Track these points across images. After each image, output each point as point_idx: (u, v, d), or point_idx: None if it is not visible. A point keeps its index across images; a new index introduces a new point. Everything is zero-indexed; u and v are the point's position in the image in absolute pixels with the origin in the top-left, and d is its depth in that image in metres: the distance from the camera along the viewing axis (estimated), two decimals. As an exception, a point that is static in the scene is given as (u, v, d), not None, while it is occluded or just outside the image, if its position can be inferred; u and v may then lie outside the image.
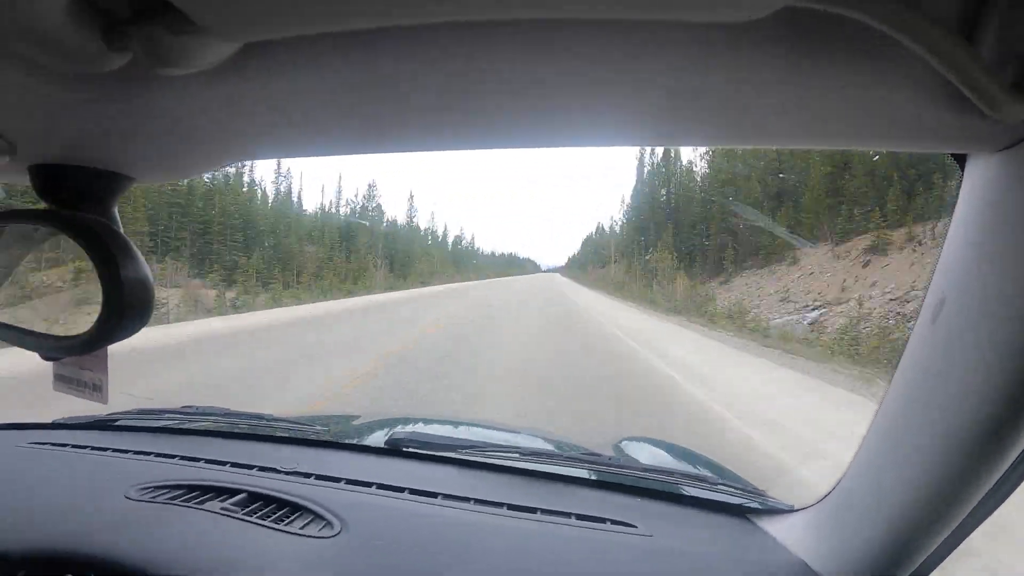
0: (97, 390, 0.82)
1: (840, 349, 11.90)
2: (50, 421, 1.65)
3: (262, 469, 1.27)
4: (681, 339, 13.62)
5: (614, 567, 0.99)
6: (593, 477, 1.32)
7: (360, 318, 17.61)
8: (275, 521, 1.04)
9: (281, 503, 1.12)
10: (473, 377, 7.67)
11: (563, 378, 7.74)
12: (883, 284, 15.56)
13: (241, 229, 33.70)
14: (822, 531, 0.96)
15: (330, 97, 0.54)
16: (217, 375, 7.73)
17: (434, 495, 1.17)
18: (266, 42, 0.43)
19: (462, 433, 1.81)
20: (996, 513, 0.73)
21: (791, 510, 1.11)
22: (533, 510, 1.13)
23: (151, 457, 1.35)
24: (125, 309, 0.64)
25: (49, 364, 0.81)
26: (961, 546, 0.77)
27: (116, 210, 0.74)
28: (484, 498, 1.16)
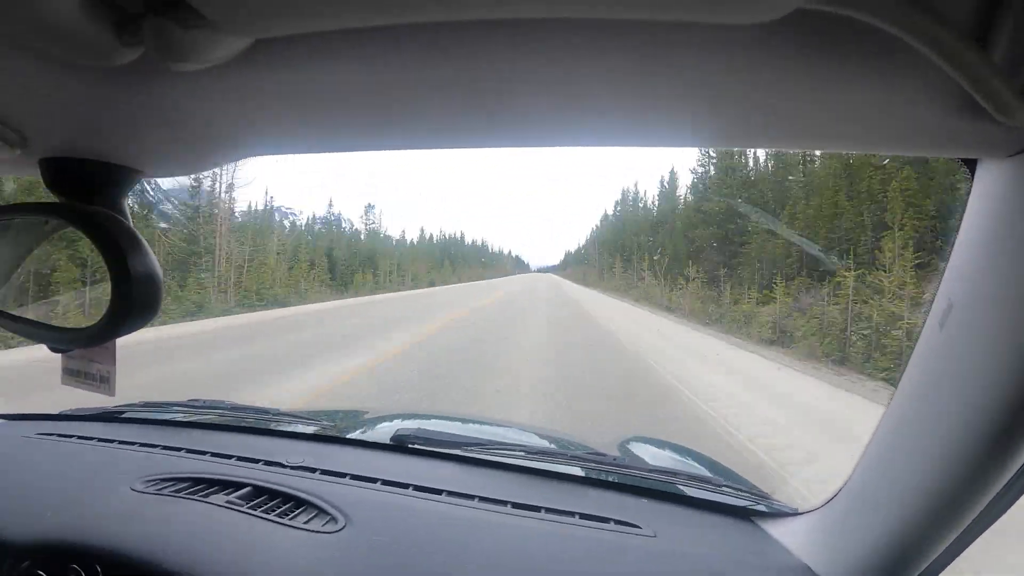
0: (105, 382, 0.83)
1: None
2: (57, 412, 1.67)
3: (268, 463, 1.28)
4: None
5: (617, 567, 0.99)
6: (598, 477, 1.32)
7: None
8: (280, 515, 1.05)
9: (286, 497, 1.12)
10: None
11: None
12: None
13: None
14: (826, 535, 0.96)
15: (339, 93, 0.55)
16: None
17: (439, 492, 1.17)
18: (276, 38, 0.43)
19: (467, 430, 1.81)
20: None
21: (795, 513, 1.11)
22: (537, 509, 1.13)
23: (157, 449, 1.36)
24: (133, 302, 0.64)
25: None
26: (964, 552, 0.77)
27: (126, 203, 0.74)
28: (488, 496, 1.17)
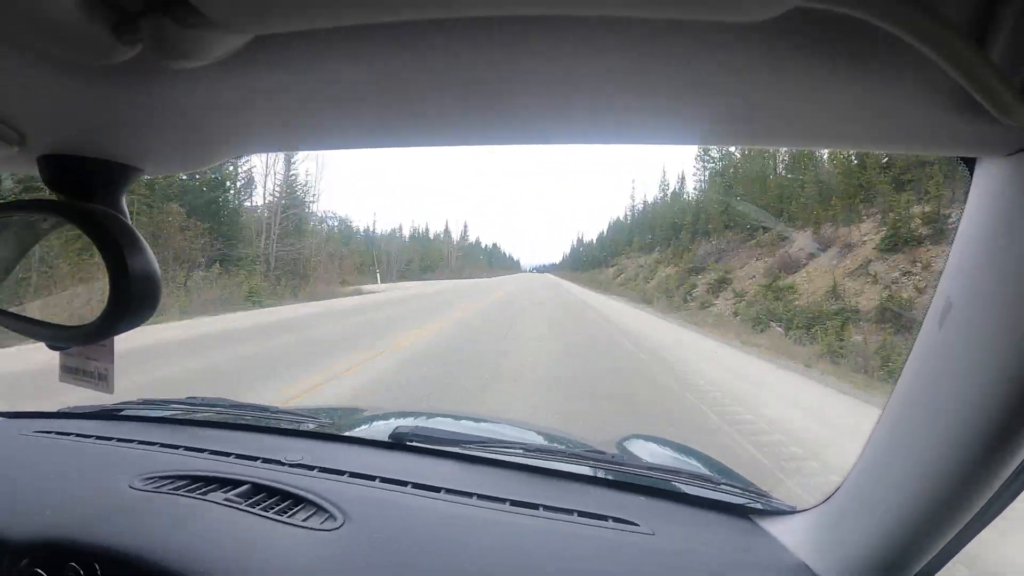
0: (103, 380, 0.83)
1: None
2: (55, 410, 1.67)
3: (266, 461, 1.28)
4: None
5: (615, 565, 0.99)
6: (596, 474, 1.32)
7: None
8: (278, 513, 1.05)
9: (284, 495, 1.12)
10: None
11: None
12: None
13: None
14: (824, 533, 0.96)
15: (339, 91, 0.54)
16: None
17: (437, 490, 1.17)
18: (276, 35, 0.43)
19: (466, 428, 1.81)
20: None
21: (793, 511, 1.11)
22: (535, 506, 1.13)
23: (155, 447, 1.36)
24: (132, 300, 0.64)
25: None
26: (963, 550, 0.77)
27: (124, 201, 0.74)
28: (487, 493, 1.17)
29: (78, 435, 1.44)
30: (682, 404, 6.45)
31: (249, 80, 0.52)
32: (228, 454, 1.31)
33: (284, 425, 1.58)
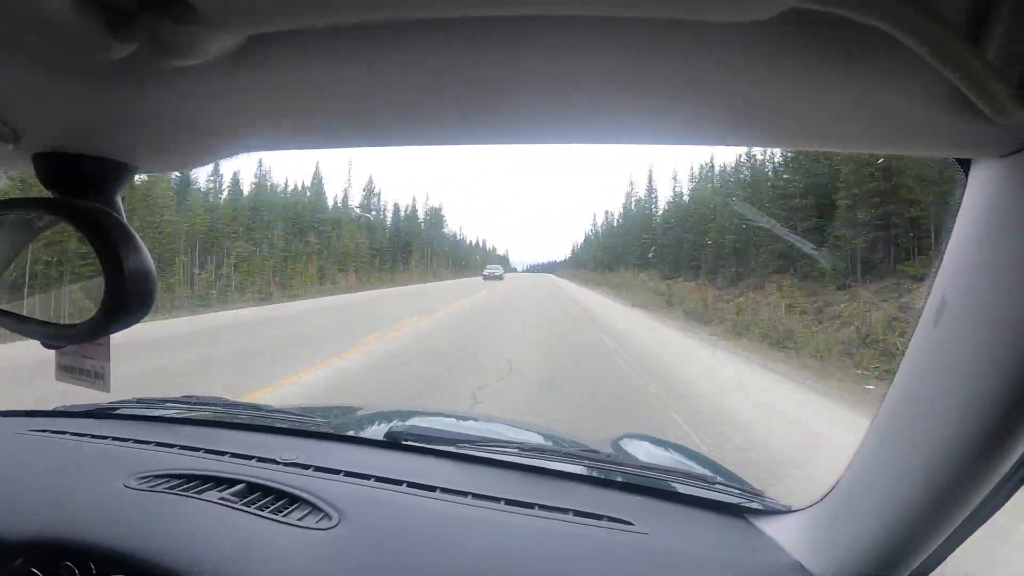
0: (99, 378, 0.83)
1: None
2: (50, 409, 1.66)
3: (261, 460, 1.28)
4: None
5: (610, 564, 0.99)
6: (591, 474, 1.33)
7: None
8: (273, 512, 1.05)
9: (279, 494, 1.12)
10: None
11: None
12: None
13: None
14: (819, 532, 0.96)
15: (334, 90, 0.54)
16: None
17: (432, 489, 1.17)
18: (272, 34, 0.42)
19: (461, 427, 1.81)
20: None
21: (788, 511, 1.11)
22: (531, 505, 1.13)
23: (151, 446, 1.36)
24: (127, 298, 0.64)
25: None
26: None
27: (119, 199, 0.74)
28: (482, 492, 1.17)
29: (73, 434, 1.44)
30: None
31: (245, 78, 0.52)
32: (223, 453, 1.31)
33: (279, 424, 1.58)
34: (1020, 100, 0.42)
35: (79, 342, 0.80)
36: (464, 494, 1.16)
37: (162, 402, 1.73)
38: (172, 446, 1.35)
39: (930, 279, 0.72)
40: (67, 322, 0.70)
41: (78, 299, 0.76)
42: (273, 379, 6.66)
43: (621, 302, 23.51)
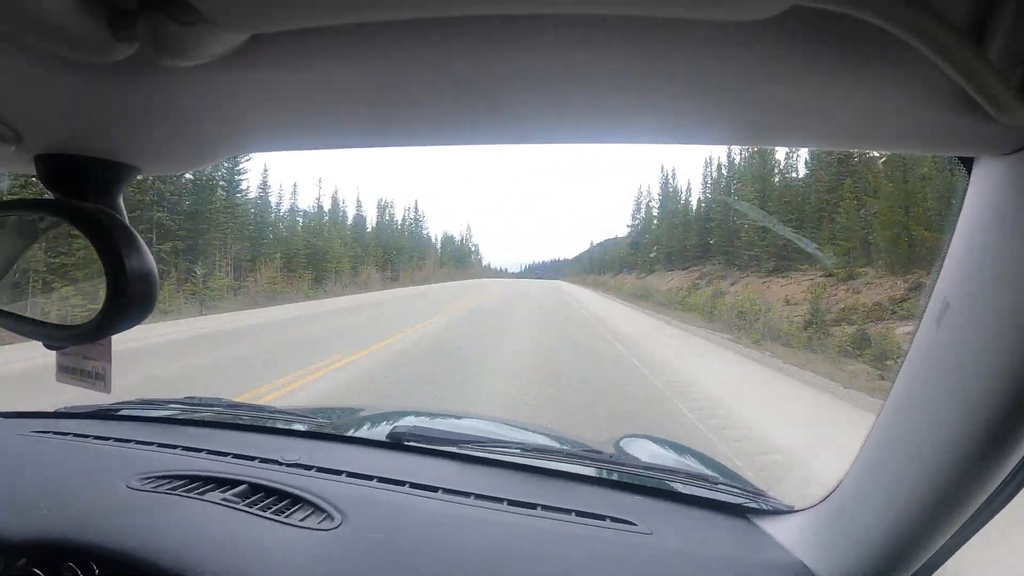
0: (100, 379, 0.83)
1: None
2: (53, 410, 1.66)
3: (263, 461, 1.28)
4: None
5: (613, 564, 0.99)
6: (594, 474, 1.32)
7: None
8: (276, 513, 1.05)
9: (282, 495, 1.12)
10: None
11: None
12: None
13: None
14: (822, 533, 0.96)
15: (336, 90, 0.54)
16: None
17: (434, 489, 1.17)
18: (273, 34, 0.42)
19: (464, 428, 1.81)
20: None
21: (791, 511, 1.11)
22: (533, 506, 1.13)
23: (153, 447, 1.36)
24: (129, 299, 0.64)
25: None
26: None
27: (121, 200, 0.74)
28: (484, 493, 1.17)
29: (75, 435, 1.44)
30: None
31: (247, 79, 0.52)
32: (225, 454, 1.31)
33: (281, 425, 1.58)
34: (1023, 98, 0.42)
35: (80, 343, 0.80)
36: (466, 495, 1.16)
37: (164, 403, 1.73)
38: (174, 447, 1.35)
39: (932, 279, 0.72)
40: (68, 323, 0.70)
41: (79, 299, 0.76)
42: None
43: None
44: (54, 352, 0.82)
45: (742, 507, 1.18)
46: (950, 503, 0.69)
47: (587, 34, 0.44)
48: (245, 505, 1.06)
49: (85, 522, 1.00)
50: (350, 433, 1.58)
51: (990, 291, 0.62)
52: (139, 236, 0.67)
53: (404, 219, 70.08)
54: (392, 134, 0.67)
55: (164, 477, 1.17)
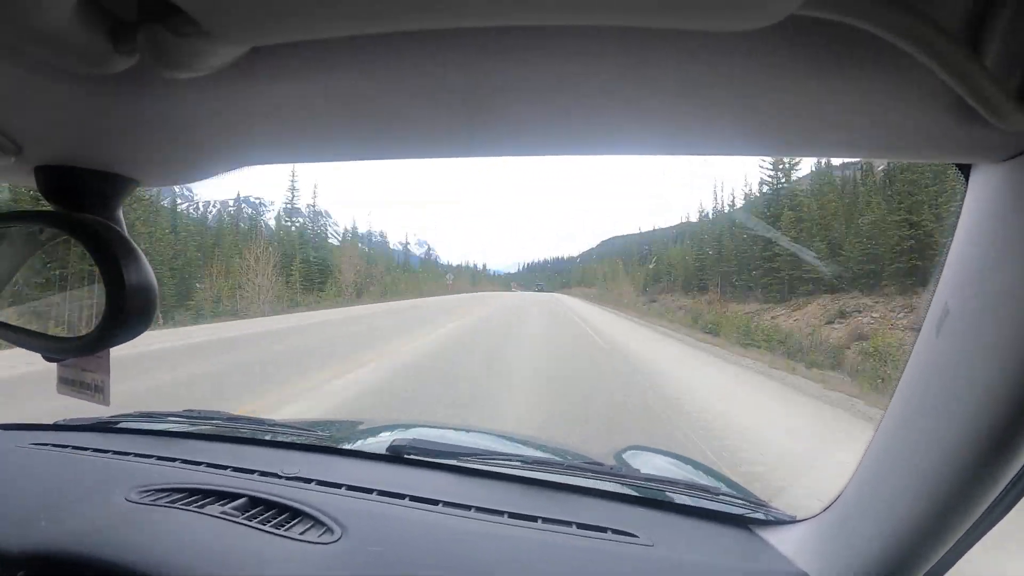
0: (99, 392, 0.83)
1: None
2: (51, 422, 1.66)
3: (263, 474, 1.27)
4: None
5: None
6: (594, 486, 1.32)
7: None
8: (275, 526, 1.04)
9: (281, 508, 1.11)
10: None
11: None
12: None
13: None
14: (824, 542, 0.95)
15: (335, 102, 0.55)
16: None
17: (435, 502, 1.17)
18: (272, 46, 0.43)
19: (464, 440, 1.80)
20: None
21: (793, 521, 1.10)
22: (534, 518, 1.12)
23: (152, 460, 1.35)
24: (128, 312, 0.64)
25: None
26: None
27: (121, 213, 0.74)
28: (485, 506, 1.16)
29: (75, 447, 1.43)
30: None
31: (246, 91, 0.53)
32: (225, 467, 1.30)
33: (281, 438, 1.58)
34: (1019, 104, 0.42)
35: (79, 355, 0.80)
36: (467, 508, 1.15)
37: (163, 416, 1.72)
38: (174, 460, 1.35)
39: (931, 286, 0.72)
40: (68, 335, 0.70)
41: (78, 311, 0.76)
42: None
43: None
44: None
45: (744, 518, 1.17)
46: (953, 510, 0.69)
47: (584, 46, 0.45)
48: (244, 518, 1.05)
49: (84, 535, 0.99)
50: (350, 446, 1.58)
51: (989, 298, 0.62)
52: (138, 248, 0.67)
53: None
54: (390, 146, 0.67)
55: (163, 490, 1.17)
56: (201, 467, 1.31)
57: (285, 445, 1.53)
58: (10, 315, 0.79)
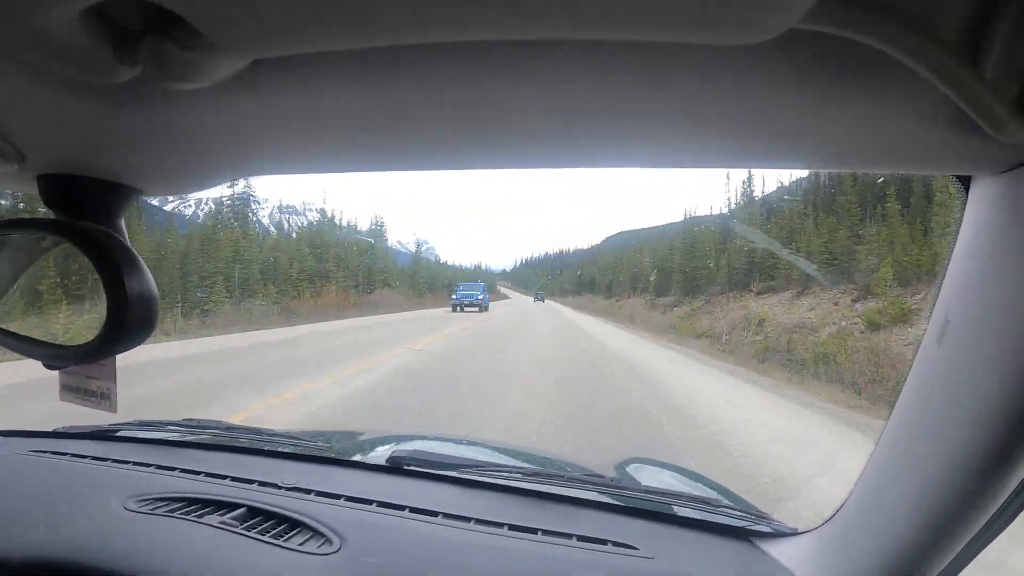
0: (105, 399, 0.83)
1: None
2: (51, 430, 1.65)
3: (262, 484, 1.26)
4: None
5: None
6: (595, 498, 1.31)
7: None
8: (274, 537, 1.04)
9: (281, 519, 1.11)
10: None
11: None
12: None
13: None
14: (826, 555, 0.95)
15: (339, 114, 0.55)
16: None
17: (435, 514, 1.16)
18: (276, 58, 0.43)
19: (464, 452, 1.79)
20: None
21: (795, 533, 1.10)
22: (534, 531, 1.11)
23: (151, 469, 1.35)
24: (129, 321, 0.64)
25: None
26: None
27: (122, 222, 0.74)
28: (485, 518, 1.15)
29: (74, 455, 1.43)
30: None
31: (249, 103, 0.53)
32: (224, 477, 1.30)
33: (281, 448, 1.57)
34: (1018, 116, 0.42)
35: (80, 363, 0.80)
36: (467, 519, 1.15)
37: (163, 424, 1.72)
38: (173, 469, 1.34)
39: (932, 296, 0.72)
40: (67, 343, 0.70)
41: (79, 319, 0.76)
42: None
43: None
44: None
45: (745, 530, 1.17)
46: (956, 521, 0.69)
47: (586, 59, 0.45)
48: (243, 528, 1.05)
49: (82, 543, 0.99)
50: (350, 457, 1.57)
51: (990, 308, 0.62)
52: (140, 258, 0.67)
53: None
54: (393, 158, 0.68)
55: (162, 499, 1.16)
56: (200, 476, 1.31)
57: (284, 455, 1.52)
58: (11, 322, 0.79)
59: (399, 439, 1.85)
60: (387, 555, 1.02)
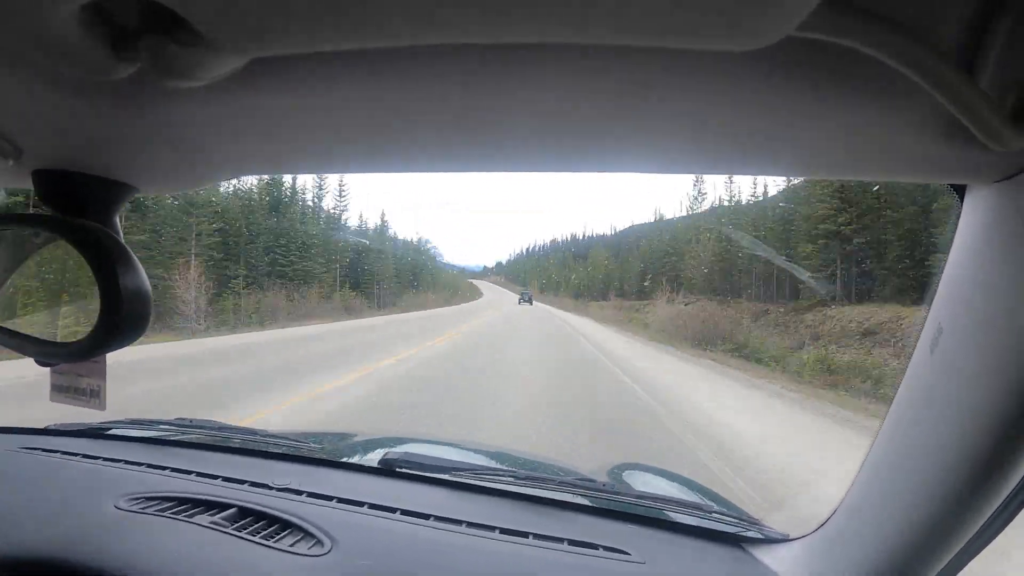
0: (95, 396, 0.82)
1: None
2: (42, 427, 1.64)
3: (254, 484, 1.26)
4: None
5: None
6: (587, 503, 1.31)
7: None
8: (265, 537, 1.03)
9: (272, 519, 1.10)
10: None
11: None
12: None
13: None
14: (817, 561, 0.95)
15: (335, 113, 0.55)
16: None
17: (426, 516, 1.16)
18: (274, 57, 0.43)
19: (457, 455, 1.79)
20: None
21: (787, 539, 1.10)
22: (525, 534, 1.11)
23: (142, 467, 1.34)
24: (123, 318, 0.64)
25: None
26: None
27: (118, 219, 0.74)
28: (476, 521, 1.15)
29: (64, 453, 1.42)
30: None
31: (246, 101, 0.53)
32: (215, 476, 1.29)
33: (273, 449, 1.56)
34: (1013, 126, 0.43)
35: (71, 361, 0.79)
36: (458, 522, 1.15)
37: (154, 423, 1.71)
38: (164, 468, 1.33)
39: (926, 305, 0.72)
40: (60, 340, 0.70)
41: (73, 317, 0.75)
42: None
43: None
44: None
45: (737, 536, 1.17)
46: (948, 528, 0.69)
47: (584, 63, 0.45)
48: (234, 529, 1.04)
49: (71, 542, 0.98)
50: (342, 459, 1.57)
51: (982, 317, 0.62)
52: (134, 255, 0.66)
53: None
54: (389, 159, 0.68)
55: (153, 498, 1.16)
56: (191, 476, 1.30)
57: (276, 456, 1.52)
58: (3, 319, 0.79)
59: (392, 441, 1.84)
60: (378, 557, 1.01)
